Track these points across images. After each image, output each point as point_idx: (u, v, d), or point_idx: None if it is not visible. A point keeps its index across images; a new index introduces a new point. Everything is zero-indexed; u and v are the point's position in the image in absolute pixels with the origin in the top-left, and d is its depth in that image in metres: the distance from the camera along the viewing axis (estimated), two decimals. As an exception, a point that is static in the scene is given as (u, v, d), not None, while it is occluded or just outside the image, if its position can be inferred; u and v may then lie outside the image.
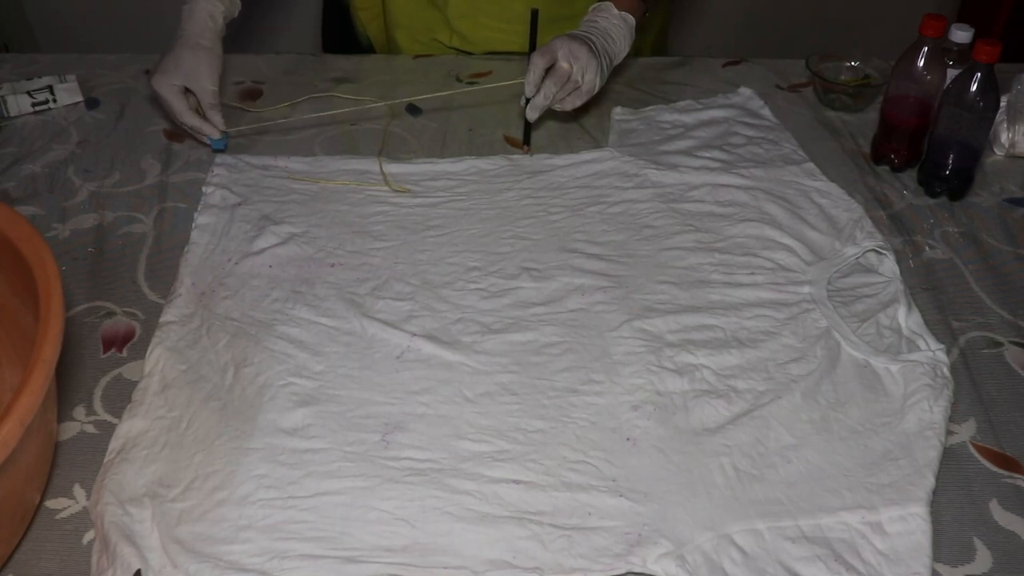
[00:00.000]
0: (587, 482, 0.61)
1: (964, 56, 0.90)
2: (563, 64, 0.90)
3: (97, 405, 0.68)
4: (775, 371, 0.69)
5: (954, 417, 0.66)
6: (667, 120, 1.02)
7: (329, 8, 1.28)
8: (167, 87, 0.91)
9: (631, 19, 0.98)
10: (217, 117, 0.93)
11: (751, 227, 0.84)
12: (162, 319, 0.73)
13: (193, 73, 0.92)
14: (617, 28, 0.97)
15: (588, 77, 0.91)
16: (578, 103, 0.94)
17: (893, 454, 0.62)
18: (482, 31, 1.14)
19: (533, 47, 0.94)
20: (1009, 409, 0.68)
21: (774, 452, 0.63)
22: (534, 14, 0.94)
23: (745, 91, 1.07)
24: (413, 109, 1.05)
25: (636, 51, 1.01)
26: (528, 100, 0.92)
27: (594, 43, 0.92)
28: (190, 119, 0.92)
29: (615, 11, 0.97)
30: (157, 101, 0.95)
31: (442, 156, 0.96)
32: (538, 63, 0.90)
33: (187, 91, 0.92)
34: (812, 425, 0.65)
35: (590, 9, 0.99)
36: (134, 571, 0.54)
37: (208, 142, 0.95)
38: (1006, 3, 1.90)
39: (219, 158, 0.94)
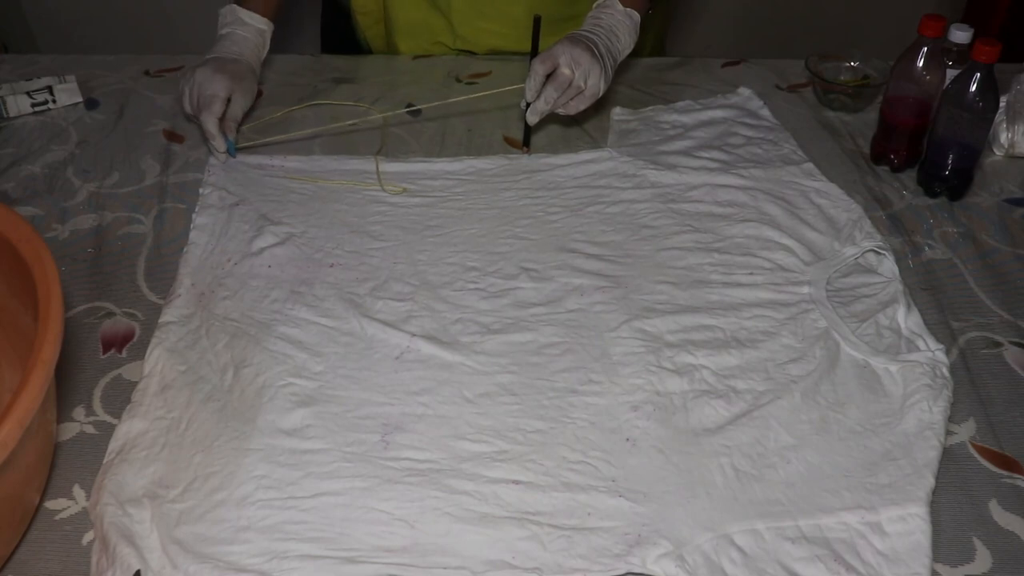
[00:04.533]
0: (586, 482, 0.61)
1: (963, 56, 0.90)
2: (565, 70, 0.90)
3: (96, 406, 0.68)
4: (774, 371, 0.69)
5: (954, 417, 0.66)
6: (666, 120, 1.02)
7: (328, 11, 1.28)
8: (225, 88, 0.93)
9: (636, 16, 0.98)
10: (233, 130, 0.95)
11: (750, 227, 0.84)
12: (161, 320, 0.73)
13: (245, 91, 0.97)
14: (622, 24, 0.97)
15: (591, 82, 0.91)
16: (582, 107, 0.93)
17: (893, 454, 0.62)
18: (486, 36, 1.14)
19: (535, 52, 0.94)
20: (1009, 409, 0.68)
21: (773, 452, 0.63)
22: (536, 20, 0.94)
23: (744, 91, 1.07)
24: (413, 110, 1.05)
25: (636, 51, 1.01)
26: (528, 104, 0.92)
27: (597, 46, 0.92)
28: (213, 125, 0.92)
29: (620, 7, 0.97)
30: (197, 89, 0.93)
31: (441, 156, 0.96)
32: (539, 70, 0.90)
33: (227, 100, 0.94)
34: (811, 425, 0.65)
35: (594, 6, 0.99)
36: (134, 572, 0.54)
37: (222, 148, 0.93)
38: (1004, 3, 1.89)
39: (214, 158, 0.94)
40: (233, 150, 0.94)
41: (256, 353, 0.71)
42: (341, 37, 1.23)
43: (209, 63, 0.95)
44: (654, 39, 1.25)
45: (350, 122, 0.99)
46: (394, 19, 1.16)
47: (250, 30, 1.01)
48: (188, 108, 0.95)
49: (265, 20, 1.02)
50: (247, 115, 1.01)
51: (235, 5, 1.02)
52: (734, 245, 0.82)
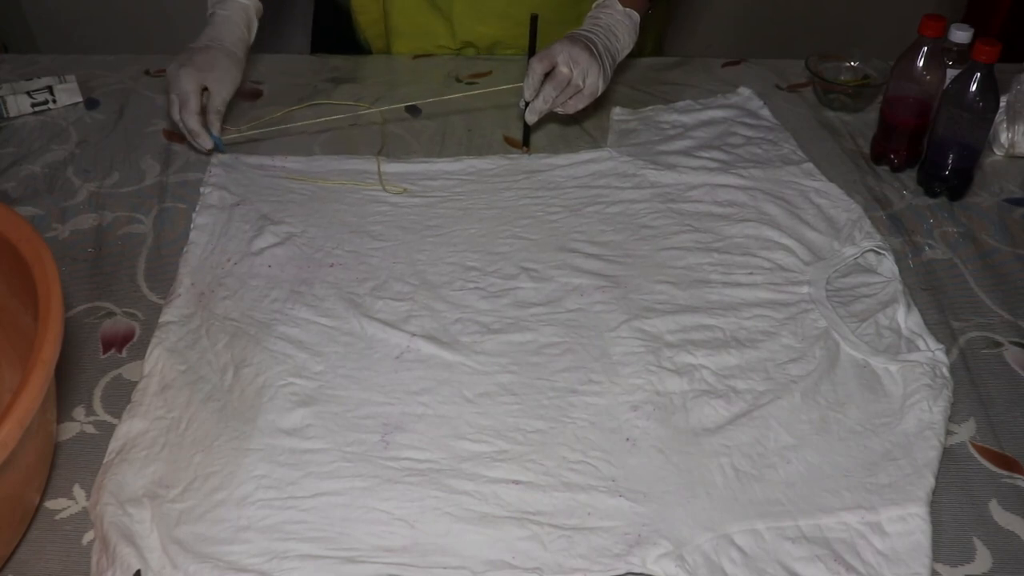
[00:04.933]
0: (586, 482, 0.61)
1: (963, 56, 0.90)
2: (563, 69, 0.90)
3: (97, 406, 0.68)
4: (774, 371, 0.69)
5: (954, 417, 0.66)
6: (666, 120, 1.02)
7: (325, 10, 1.27)
8: (192, 82, 0.91)
9: (635, 15, 0.98)
10: (217, 123, 0.93)
11: (750, 227, 0.84)
12: (161, 319, 0.73)
13: (220, 79, 0.93)
14: (621, 24, 0.97)
15: (590, 80, 0.91)
16: (580, 106, 0.94)
17: (893, 454, 0.62)
18: (487, 39, 1.14)
19: (533, 51, 0.94)
20: (1009, 409, 0.68)
21: (773, 452, 0.63)
22: (533, 19, 0.94)
23: (744, 91, 1.07)
24: (412, 109, 1.05)
25: (636, 51, 1.01)
26: (527, 103, 0.92)
27: (596, 44, 0.92)
28: (193, 122, 0.91)
29: (619, 7, 0.97)
30: (170, 90, 0.92)
31: (441, 156, 0.96)
32: (536, 68, 0.90)
33: (202, 92, 0.93)
34: (811, 425, 0.65)
35: (594, 5, 0.99)
36: (134, 571, 0.54)
37: (208, 144, 0.93)
38: (1005, 3, 1.89)
39: (216, 158, 0.94)
40: (221, 145, 0.93)
41: (256, 353, 0.71)
42: (339, 37, 1.22)
43: (176, 59, 0.93)
44: (654, 39, 1.25)
45: (343, 116, 0.99)
46: (394, 22, 1.16)
47: (231, 7, 0.98)
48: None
49: None
50: (246, 114, 1.01)
51: None
52: (734, 245, 0.82)
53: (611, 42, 0.95)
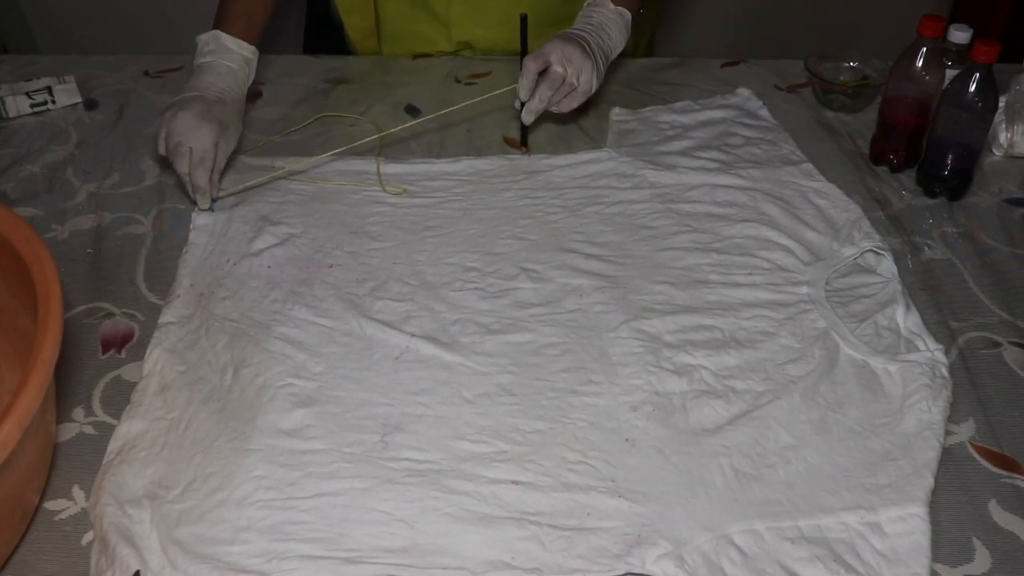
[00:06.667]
0: (586, 483, 0.61)
1: (963, 56, 0.90)
2: (557, 68, 0.90)
3: (96, 406, 0.68)
4: (774, 372, 0.69)
5: (953, 417, 0.66)
6: (665, 121, 1.02)
7: (313, 23, 1.27)
8: (212, 138, 0.83)
9: (627, 14, 0.98)
10: (217, 183, 0.87)
11: (749, 227, 0.84)
12: (161, 320, 0.73)
13: (231, 137, 0.87)
14: (613, 23, 0.97)
15: (584, 78, 0.91)
16: (575, 104, 0.94)
17: (892, 454, 0.62)
18: (484, 42, 1.14)
19: (525, 51, 0.94)
20: (1008, 409, 0.68)
21: (773, 452, 0.63)
22: (523, 19, 0.94)
23: (743, 92, 1.07)
24: (412, 111, 1.05)
25: (631, 51, 1.01)
26: (523, 104, 0.92)
27: (588, 43, 0.92)
28: (204, 180, 0.83)
29: (611, 6, 0.97)
30: (185, 141, 0.83)
31: (440, 157, 0.96)
32: (531, 67, 0.90)
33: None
34: (811, 426, 0.65)
35: (585, 4, 0.99)
36: (133, 572, 0.54)
37: (206, 205, 0.86)
38: (1004, 3, 1.90)
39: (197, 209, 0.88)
40: (215, 206, 0.87)
41: (256, 353, 0.71)
42: (331, 50, 1.22)
43: (192, 105, 0.84)
44: (646, 38, 1.25)
45: (341, 149, 0.92)
46: (390, 29, 1.16)
47: (236, 59, 0.91)
48: (163, 151, 0.85)
49: (252, 48, 0.93)
50: (245, 115, 1.00)
51: (218, 31, 0.91)
52: (733, 245, 0.82)
53: (603, 40, 0.95)
